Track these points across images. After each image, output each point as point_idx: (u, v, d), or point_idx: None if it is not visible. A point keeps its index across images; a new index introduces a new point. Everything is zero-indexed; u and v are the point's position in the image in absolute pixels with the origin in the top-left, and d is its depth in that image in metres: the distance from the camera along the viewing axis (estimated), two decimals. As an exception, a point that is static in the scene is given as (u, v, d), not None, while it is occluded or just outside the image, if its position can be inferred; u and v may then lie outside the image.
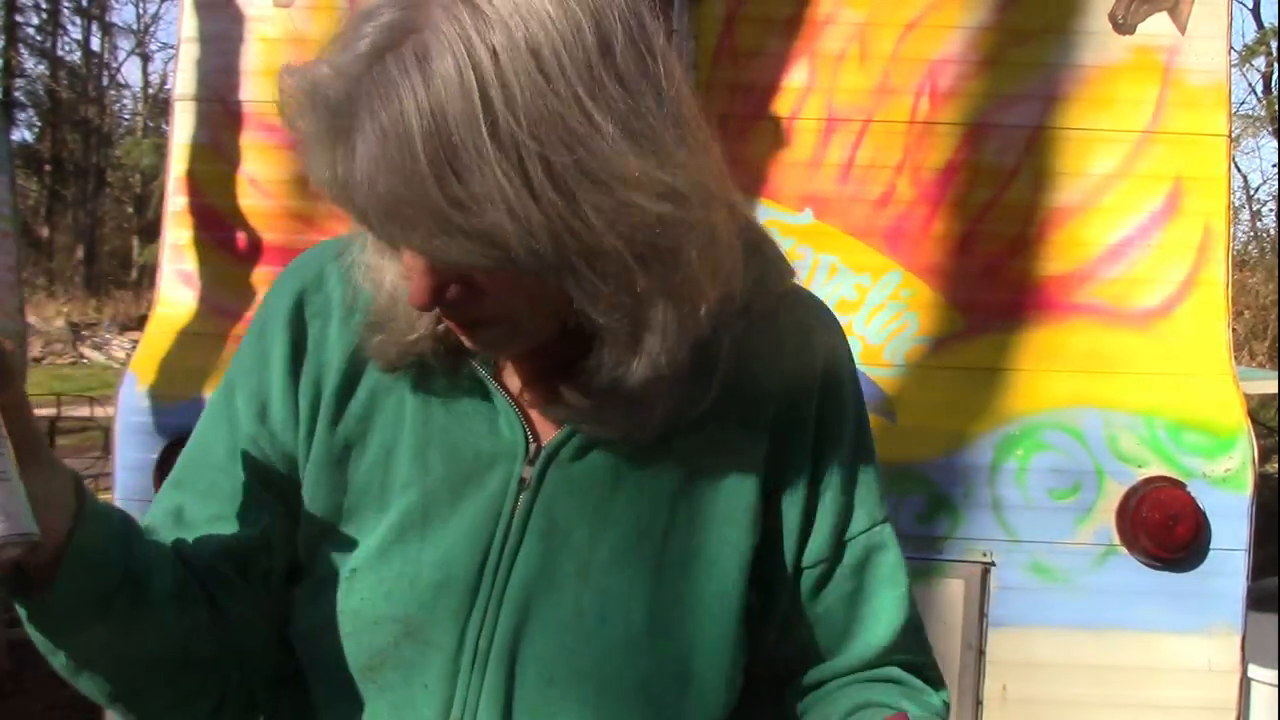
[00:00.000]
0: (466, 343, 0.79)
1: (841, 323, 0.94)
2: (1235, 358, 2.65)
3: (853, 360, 0.93)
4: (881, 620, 0.92)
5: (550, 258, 0.65)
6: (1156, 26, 2.48)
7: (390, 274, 0.80)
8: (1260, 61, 21.84)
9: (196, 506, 0.87)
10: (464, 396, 0.84)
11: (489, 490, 0.83)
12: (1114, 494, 2.36)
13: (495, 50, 0.60)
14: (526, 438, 0.83)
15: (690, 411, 0.81)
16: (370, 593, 0.83)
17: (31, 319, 15.67)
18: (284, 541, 0.87)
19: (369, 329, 0.83)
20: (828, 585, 0.90)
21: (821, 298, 0.95)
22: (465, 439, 0.84)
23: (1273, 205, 23.20)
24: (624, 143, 0.62)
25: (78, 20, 32.31)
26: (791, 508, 0.88)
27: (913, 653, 0.94)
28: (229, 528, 0.85)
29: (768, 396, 0.87)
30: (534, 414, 0.84)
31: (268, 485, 0.87)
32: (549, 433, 0.84)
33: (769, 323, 0.87)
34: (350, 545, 0.85)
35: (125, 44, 36.86)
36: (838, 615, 0.92)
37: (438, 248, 0.65)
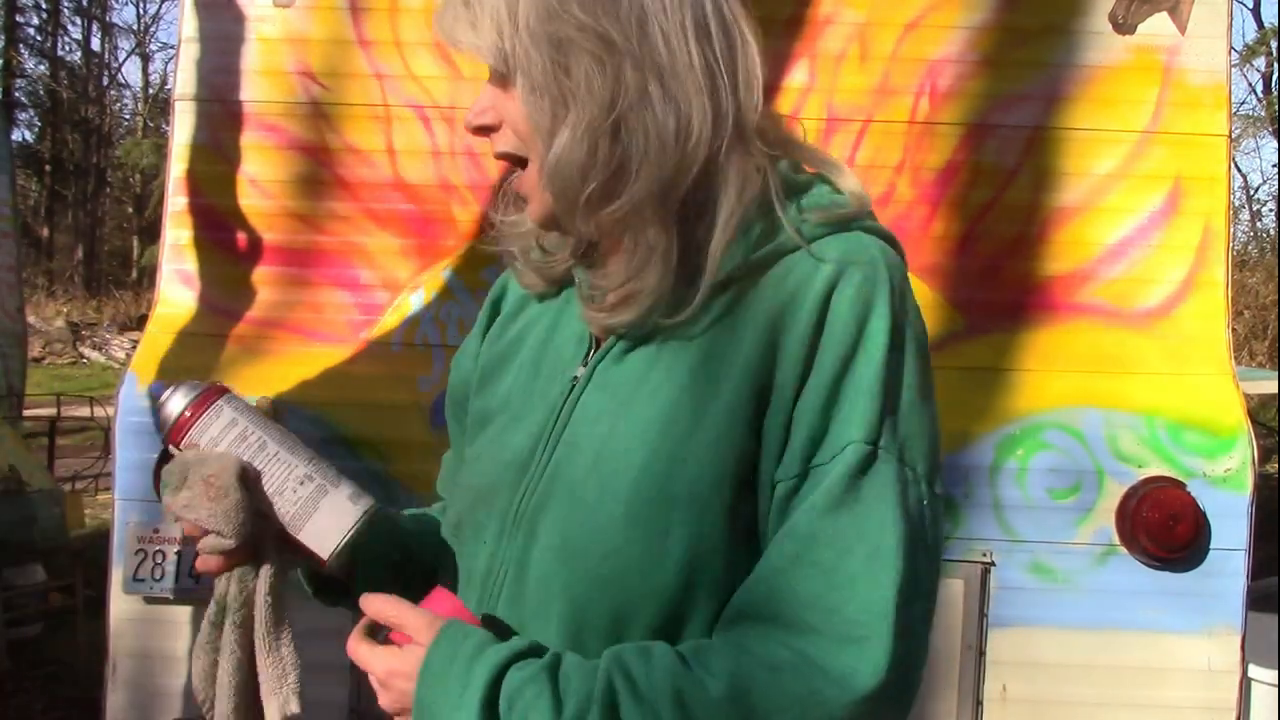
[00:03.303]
0: (527, 212, 1.02)
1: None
2: (1235, 358, 2.65)
3: (879, 302, 0.92)
4: (762, 571, 0.91)
5: (515, 59, 0.93)
6: (1157, 26, 2.48)
7: (523, 225, 1.07)
8: (1260, 61, 21.86)
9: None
10: (569, 318, 1.07)
11: (557, 387, 1.02)
12: (1114, 494, 2.36)
13: None
14: (590, 347, 1.03)
15: (680, 305, 0.94)
16: (473, 468, 1.07)
17: (31, 319, 15.67)
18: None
19: (513, 259, 1.10)
20: (789, 506, 0.92)
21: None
22: (560, 350, 1.05)
23: (1273, 205, 23.23)
24: (581, 12, 0.92)
25: (78, 20, 32.34)
26: (775, 425, 0.93)
27: (762, 629, 0.88)
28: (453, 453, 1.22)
29: (767, 324, 0.94)
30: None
31: (459, 404, 1.18)
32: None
33: (786, 258, 0.96)
34: (483, 435, 1.08)
35: (125, 44, 36.82)
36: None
37: (471, 40, 0.95)
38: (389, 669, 0.92)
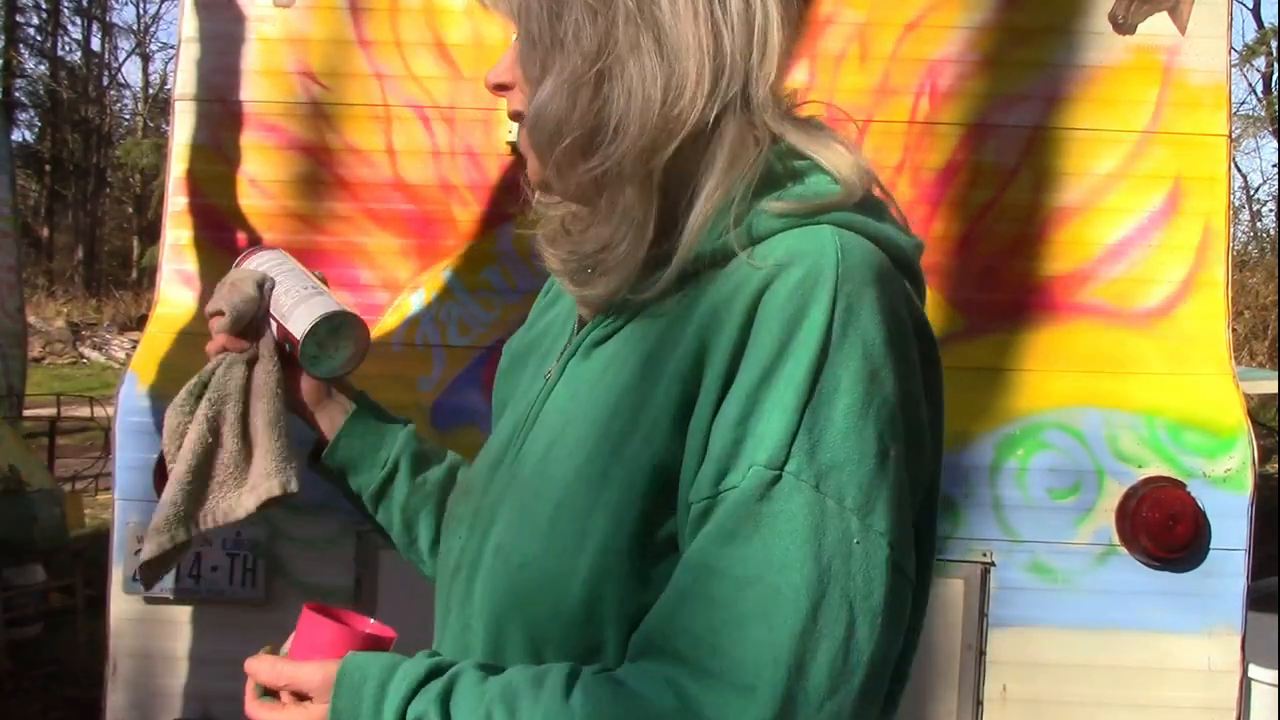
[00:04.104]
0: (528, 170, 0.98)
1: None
2: (1235, 358, 2.65)
3: (815, 305, 0.82)
4: (663, 601, 0.83)
5: (518, 9, 0.91)
6: (1157, 26, 2.48)
7: (557, 211, 1.02)
8: (1260, 61, 21.87)
9: None
10: (573, 311, 1.05)
11: (541, 381, 1.01)
12: (1114, 494, 2.36)
13: None
14: (569, 339, 1.02)
15: (644, 283, 0.89)
16: (476, 460, 1.08)
17: (31, 319, 15.67)
18: None
19: (540, 245, 1.03)
20: (700, 530, 0.83)
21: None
22: (560, 342, 1.04)
23: (1273, 205, 23.25)
24: None
25: (78, 20, 32.36)
26: (694, 441, 0.85)
27: (656, 665, 0.80)
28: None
29: (703, 327, 0.86)
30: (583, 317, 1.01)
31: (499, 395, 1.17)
32: None
33: (738, 259, 0.87)
34: (496, 428, 1.10)
35: (125, 44, 36.86)
36: None
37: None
38: None
